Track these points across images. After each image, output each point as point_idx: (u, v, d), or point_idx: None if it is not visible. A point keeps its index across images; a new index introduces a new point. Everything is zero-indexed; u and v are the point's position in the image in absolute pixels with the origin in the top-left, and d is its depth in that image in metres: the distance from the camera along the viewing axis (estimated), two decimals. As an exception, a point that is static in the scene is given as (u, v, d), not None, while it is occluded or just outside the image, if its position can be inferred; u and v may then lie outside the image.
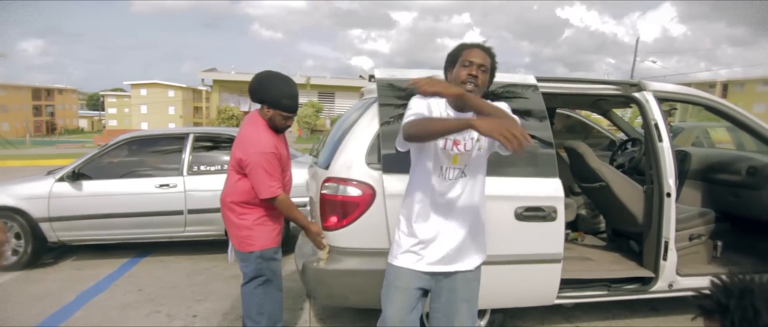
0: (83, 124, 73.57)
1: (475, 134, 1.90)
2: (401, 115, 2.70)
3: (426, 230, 1.98)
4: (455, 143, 1.91)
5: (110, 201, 4.79)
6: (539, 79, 3.04)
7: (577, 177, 3.76)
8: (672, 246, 3.08)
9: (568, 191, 4.18)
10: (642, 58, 36.91)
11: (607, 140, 5.75)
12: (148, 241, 5.09)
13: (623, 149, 4.66)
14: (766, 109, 44.74)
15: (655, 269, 3.16)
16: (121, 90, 70.60)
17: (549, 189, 2.77)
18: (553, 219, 2.75)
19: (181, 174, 4.90)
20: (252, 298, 2.71)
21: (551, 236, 2.77)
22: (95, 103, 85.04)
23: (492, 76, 1.99)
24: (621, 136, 5.61)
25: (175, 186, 4.85)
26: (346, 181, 2.72)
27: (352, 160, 2.76)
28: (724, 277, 1.49)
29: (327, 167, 2.85)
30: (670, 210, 3.06)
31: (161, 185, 4.85)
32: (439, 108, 1.95)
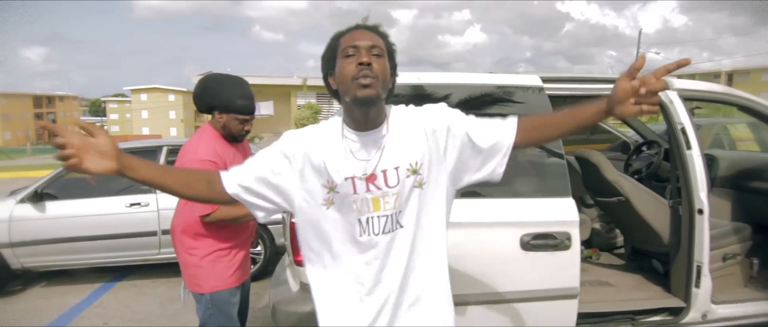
0: (85, 130, 73.30)
1: (408, 159, 1.32)
2: None
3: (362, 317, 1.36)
4: (370, 179, 1.30)
5: (77, 223, 4.39)
6: (546, 80, 2.60)
7: (591, 190, 3.31)
8: (706, 271, 2.64)
9: (580, 203, 3.74)
10: (644, 49, 36.34)
11: (614, 138, 5.29)
12: (123, 265, 4.68)
13: (639, 153, 4.21)
14: (772, 98, 44.08)
15: (686, 297, 2.71)
16: (123, 95, 70.44)
17: (561, 211, 2.32)
18: (567, 247, 2.31)
19: (153, 191, 4.48)
20: None
21: (565, 268, 2.32)
22: (97, 109, 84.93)
23: (393, 61, 1.38)
24: (631, 134, 5.16)
25: (147, 204, 4.44)
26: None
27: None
28: None
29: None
30: (703, 229, 2.61)
31: (132, 204, 4.44)
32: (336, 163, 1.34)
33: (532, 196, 2.36)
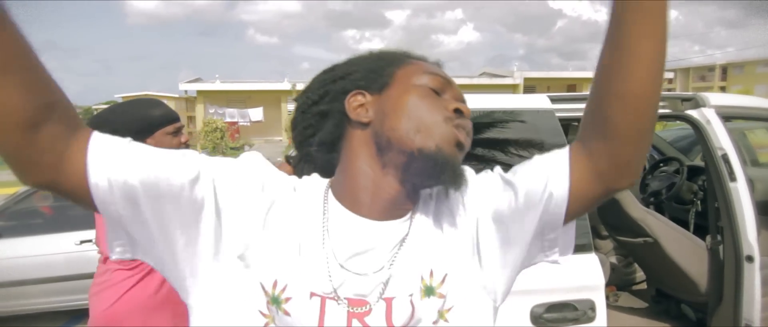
0: (77, 139, 72.78)
1: (411, 286, 0.71)
2: None
3: None
4: (357, 304, 0.70)
5: (21, 265, 3.86)
6: (554, 100, 2.10)
7: (610, 226, 2.81)
8: (757, 329, 2.15)
9: (594, 234, 3.24)
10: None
11: None
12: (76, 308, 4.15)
13: (656, 169, 3.72)
14: (766, 91, 43.81)
15: (732, 359, 2.23)
16: (114, 103, 69.84)
17: (583, 272, 1.82)
18: (591, 319, 1.80)
19: (107, 226, 3.96)
20: None
21: (589, 346, 1.82)
22: (89, 117, 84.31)
23: None
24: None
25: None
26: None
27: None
28: None
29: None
30: (753, 280, 2.12)
31: (83, 241, 3.90)
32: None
33: (545, 254, 1.85)
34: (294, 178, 0.79)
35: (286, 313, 0.67)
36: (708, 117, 2.24)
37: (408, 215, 0.76)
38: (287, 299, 0.67)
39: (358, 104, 0.77)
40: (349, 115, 0.77)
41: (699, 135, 2.28)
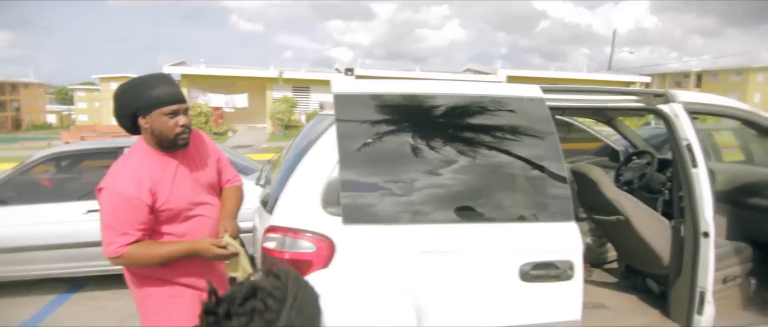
0: (52, 119, 70.90)
1: None
2: (374, 147, 2.03)
3: None
4: None
5: (29, 231, 4.01)
6: (546, 90, 2.38)
7: (587, 206, 3.12)
8: (709, 298, 2.47)
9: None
10: (617, 49, 36.82)
11: (590, 138, 5.12)
12: (78, 276, 4.32)
13: (629, 162, 4.05)
14: (738, 99, 45.21)
15: (687, 323, 2.55)
16: (92, 84, 68.14)
17: (564, 237, 2.12)
18: (569, 277, 2.10)
19: (113, 197, 4.13)
20: None
21: (567, 300, 2.12)
22: (64, 97, 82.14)
23: None
24: (615, 137, 5.01)
25: (106, 211, 4.08)
26: (295, 232, 2.02)
27: (305, 202, 2.06)
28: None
29: (272, 209, 2.15)
30: (708, 253, 2.45)
31: (90, 211, 4.07)
32: None
33: (533, 221, 2.13)
34: None
35: None
36: (676, 111, 2.55)
37: None
38: None
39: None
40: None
41: (668, 126, 2.59)
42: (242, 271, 1.89)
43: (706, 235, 2.44)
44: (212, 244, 1.87)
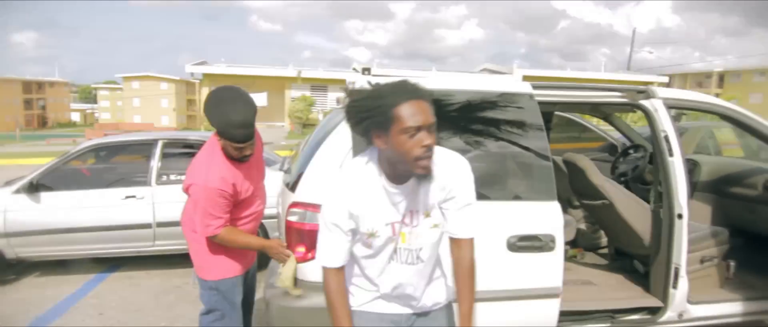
0: (76, 117, 72.76)
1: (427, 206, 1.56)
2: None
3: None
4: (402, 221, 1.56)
5: (72, 214, 4.43)
6: (535, 87, 2.69)
7: (577, 192, 3.42)
8: (683, 273, 2.76)
9: (567, 204, 3.84)
10: (638, 48, 36.57)
11: (601, 138, 5.39)
12: (116, 256, 4.74)
13: (625, 156, 4.32)
14: (762, 100, 44.52)
15: (664, 298, 2.84)
16: (114, 82, 69.74)
17: (546, 215, 2.43)
18: (551, 249, 2.41)
19: (149, 184, 4.53)
20: None
21: (548, 268, 2.43)
22: (88, 96, 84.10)
23: None
24: (617, 135, 5.27)
25: (142, 197, 4.49)
26: (315, 207, 2.37)
27: (323, 182, 2.41)
28: None
29: (294, 188, 2.50)
30: (682, 233, 2.73)
31: (127, 197, 4.49)
32: (377, 214, 1.52)
33: (520, 199, 2.45)
34: (352, 174, 1.54)
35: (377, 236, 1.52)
36: (656, 106, 2.84)
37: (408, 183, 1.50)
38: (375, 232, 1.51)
39: (378, 139, 1.43)
40: (374, 143, 1.46)
41: (648, 120, 2.88)
42: (286, 279, 2.35)
43: (680, 216, 2.72)
44: (281, 245, 2.38)
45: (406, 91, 1.40)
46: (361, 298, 1.68)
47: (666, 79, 33.55)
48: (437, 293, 1.72)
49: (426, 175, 1.43)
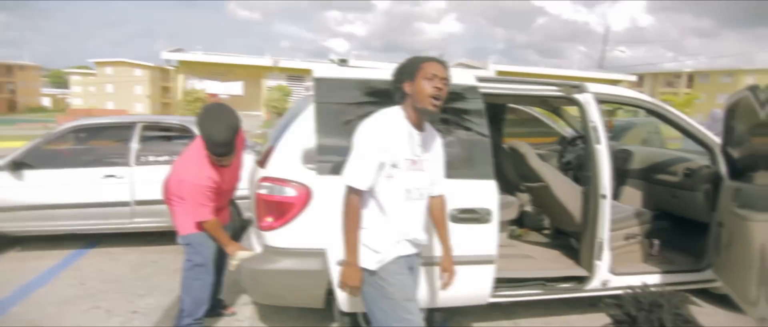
0: (47, 102, 71.04)
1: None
2: (342, 120, 2.68)
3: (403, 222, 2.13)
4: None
5: (54, 191, 4.64)
6: (481, 80, 3.05)
7: (520, 176, 3.81)
8: (606, 246, 3.16)
9: (515, 188, 4.24)
10: (611, 47, 37.42)
11: (556, 132, 5.83)
12: (95, 233, 4.97)
13: (573, 145, 4.74)
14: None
15: (590, 268, 3.24)
16: (87, 68, 68.24)
17: (484, 191, 2.79)
18: (487, 221, 2.78)
19: (128, 164, 4.78)
20: (184, 280, 2.99)
21: (485, 238, 2.80)
22: (59, 80, 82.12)
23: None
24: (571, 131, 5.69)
25: (121, 177, 4.73)
26: (282, 181, 2.70)
27: (289, 160, 2.73)
28: (636, 289, 1.60)
29: (264, 164, 2.82)
30: (605, 211, 3.13)
31: (107, 176, 4.72)
32: (402, 149, 2.04)
33: (462, 178, 2.81)
34: (387, 117, 2.07)
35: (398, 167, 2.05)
36: (587, 100, 3.23)
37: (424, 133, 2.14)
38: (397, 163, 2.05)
39: (408, 85, 2.06)
40: (405, 90, 2.07)
41: (580, 112, 3.27)
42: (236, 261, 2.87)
43: (604, 196, 3.12)
44: (239, 248, 2.90)
45: (430, 57, 2.08)
46: (386, 246, 2.10)
47: (635, 78, 34.53)
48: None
49: (434, 111, 2.01)
